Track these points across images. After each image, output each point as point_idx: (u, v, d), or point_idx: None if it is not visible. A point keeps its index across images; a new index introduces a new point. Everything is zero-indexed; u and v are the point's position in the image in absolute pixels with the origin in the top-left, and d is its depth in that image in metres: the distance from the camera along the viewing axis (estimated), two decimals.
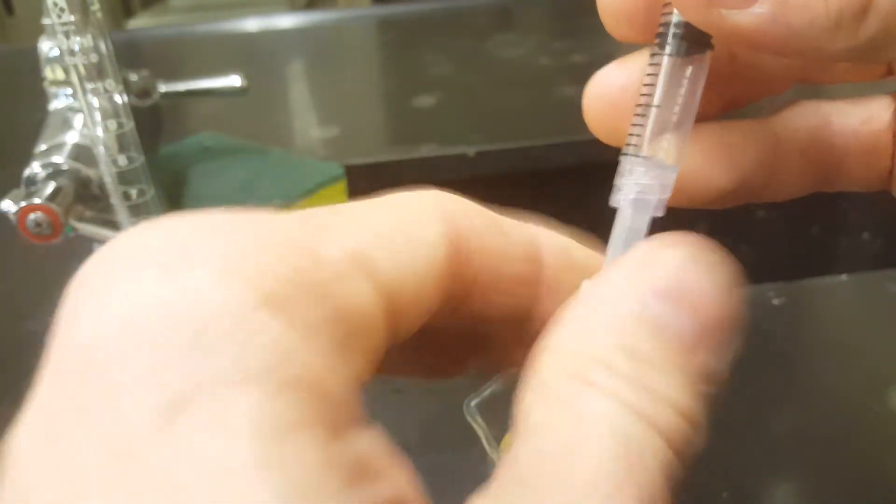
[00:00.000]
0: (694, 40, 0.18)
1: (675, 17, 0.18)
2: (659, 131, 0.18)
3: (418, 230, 0.15)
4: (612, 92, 0.20)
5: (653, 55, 0.18)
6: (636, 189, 0.19)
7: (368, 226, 0.15)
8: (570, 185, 0.72)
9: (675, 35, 0.18)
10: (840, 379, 0.41)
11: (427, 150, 0.69)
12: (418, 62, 0.96)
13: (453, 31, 1.08)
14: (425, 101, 0.82)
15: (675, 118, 0.18)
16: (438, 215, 0.16)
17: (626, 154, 0.19)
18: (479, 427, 0.21)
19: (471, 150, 0.68)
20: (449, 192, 0.17)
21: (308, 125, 0.80)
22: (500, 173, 0.69)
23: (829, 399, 0.39)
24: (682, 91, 0.18)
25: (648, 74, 0.18)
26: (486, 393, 0.22)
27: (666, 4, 0.18)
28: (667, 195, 0.19)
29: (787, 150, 0.19)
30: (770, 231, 0.76)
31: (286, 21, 1.17)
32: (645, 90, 0.19)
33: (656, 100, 0.18)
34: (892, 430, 0.37)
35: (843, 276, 0.49)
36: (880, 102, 0.19)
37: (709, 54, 0.18)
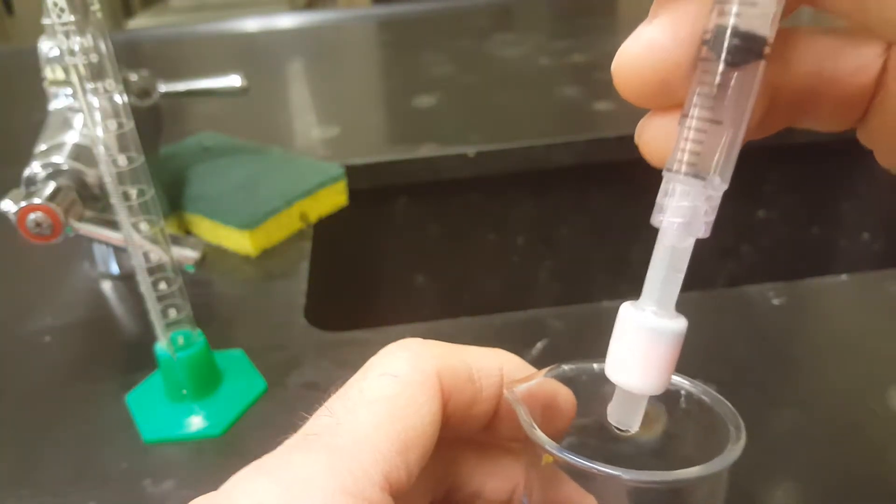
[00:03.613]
0: (749, 48, 0.16)
1: (732, 23, 0.16)
2: (711, 148, 0.17)
3: (430, 415, 0.21)
4: (653, 56, 0.18)
5: (702, 61, 0.17)
6: (686, 213, 0.17)
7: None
8: (570, 185, 0.72)
9: (731, 44, 0.16)
10: (840, 379, 0.41)
11: (427, 150, 0.69)
12: (418, 62, 0.96)
13: (453, 31, 1.08)
14: (425, 101, 0.82)
15: (728, 134, 0.17)
16: (436, 395, 0.21)
17: (676, 172, 0.17)
18: (520, 408, 0.22)
19: (471, 150, 0.68)
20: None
21: (308, 125, 0.80)
22: (500, 173, 0.69)
23: (829, 399, 0.39)
24: (736, 103, 0.17)
25: (700, 83, 0.17)
26: (531, 382, 0.23)
27: (719, 3, 0.17)
28: (712, 217, 0.17)
29: (780, 98, 0.19)
30: (770, 231, 0.76)
31: (286, 21, 1.17)
32: (696, 100, 0.17)
33: (712, 114, 0.17)
34: (892, 430, 0.37)
35: (843, 276, 0.49)
36: (874, 49, 0.18)
37: (762, 64, 0.17)
